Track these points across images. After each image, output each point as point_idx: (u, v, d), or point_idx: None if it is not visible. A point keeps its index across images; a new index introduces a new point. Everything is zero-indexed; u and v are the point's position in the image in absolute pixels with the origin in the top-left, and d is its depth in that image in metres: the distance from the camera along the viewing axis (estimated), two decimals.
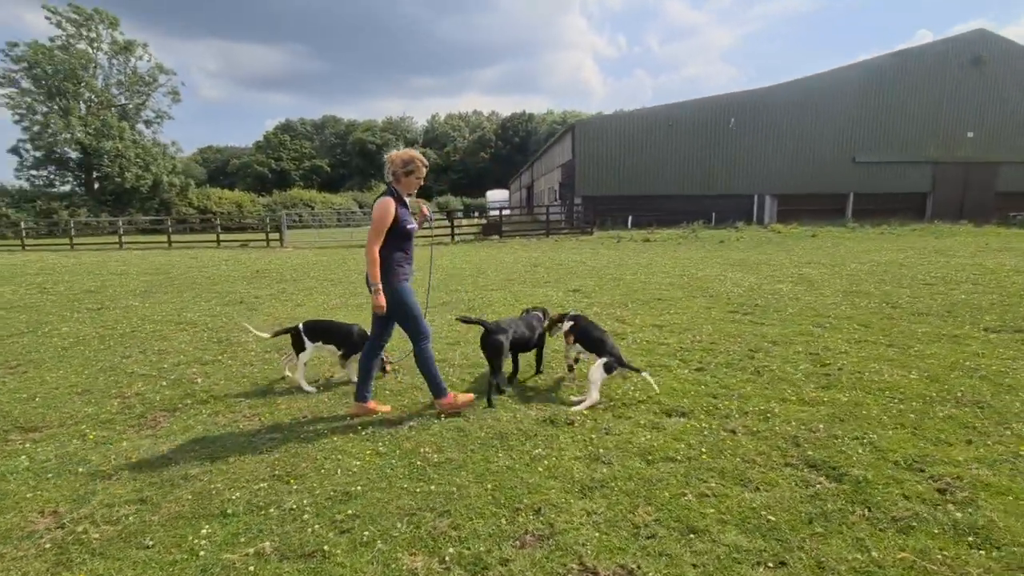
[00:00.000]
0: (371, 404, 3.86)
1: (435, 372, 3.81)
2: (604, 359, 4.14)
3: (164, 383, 4.80)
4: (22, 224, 23.94)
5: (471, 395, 4.06)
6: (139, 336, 6.66)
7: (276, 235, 21.61)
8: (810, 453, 3.29)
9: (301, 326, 4.51)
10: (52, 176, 38.28)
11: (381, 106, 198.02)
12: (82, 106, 37.69)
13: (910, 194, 27.67)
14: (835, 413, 3.89)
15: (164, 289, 10.67)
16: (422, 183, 3.67)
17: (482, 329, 4.23)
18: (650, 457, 3.30)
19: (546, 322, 4.82)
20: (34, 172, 37.70)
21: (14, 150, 37.31)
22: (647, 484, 2.98)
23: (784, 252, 15.72)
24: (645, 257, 15.09)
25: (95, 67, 38.40)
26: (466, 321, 4.53)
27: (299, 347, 4.47)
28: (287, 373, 4.80)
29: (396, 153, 3.58)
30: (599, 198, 25.97)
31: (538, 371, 4.88)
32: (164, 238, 21.94)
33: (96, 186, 38.35)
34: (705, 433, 3.62)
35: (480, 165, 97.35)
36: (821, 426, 3.66)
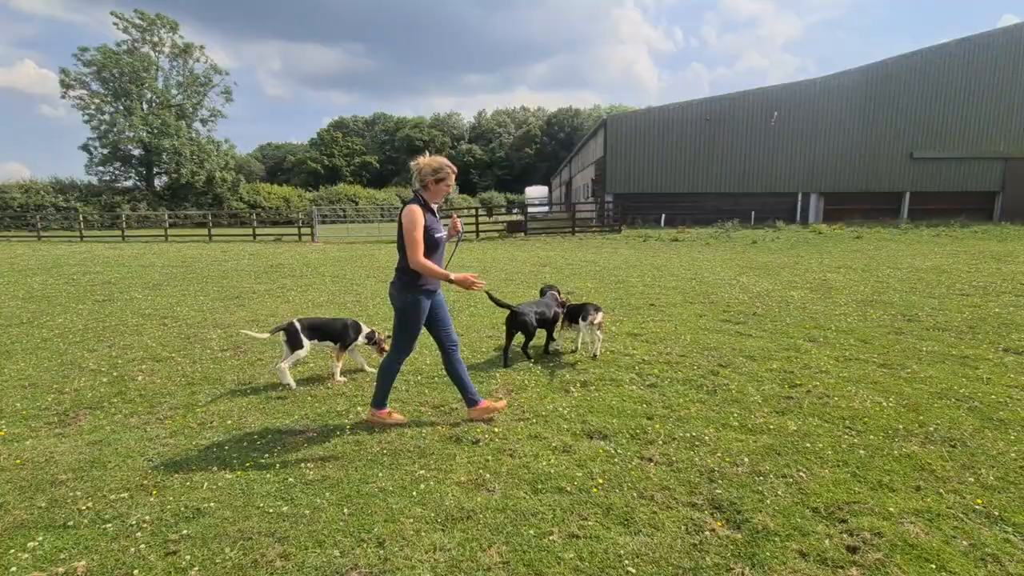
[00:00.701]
0: (484, 404, 3.84)
1: (387, 384, 3.74)
2: None
3: (106, 379, 4.86)
4: (80, 216, 25.61)
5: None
6: (121, 330, 6.85)
7: (308, 230, 22.16)
8: (720, 492, 2.91)
9: (296, 323, 4.57)
10: (117, 172, 40.92)
11: (433, 103, 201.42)
12: (144, 106, 40.03)
13: (976, 193, 25.36)
14: (774, 444, 3.46)
15: (177, 282, 11.06)
16: (451, 191, 3.56)
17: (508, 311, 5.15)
18: (540, 486, 3.01)
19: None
20: (101, 168, 40.43)
21: (85, 148, 40.08)
22: (518, 518, 2.70)
23: (818, 255, 14.72)
24: (663, 258, 14.46)
25: (156, 69, 40.68)
26: (497, 303, 5.25)
27: (295, 344, 4.53)
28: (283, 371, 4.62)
29: (425, 159, 3.42)
30: (631, 195, 25.19)
31: (546, 351, 5.51)
32: (206, 231, 22.94)
33: (156, 182, 40.71)
34: (615, 460, 3.29)
35: (525, 161, 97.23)
36: (747, 459, 3.26)
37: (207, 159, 40.08)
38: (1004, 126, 24.61)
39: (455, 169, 3.46)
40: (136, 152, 40.10)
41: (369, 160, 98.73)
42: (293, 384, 4.51)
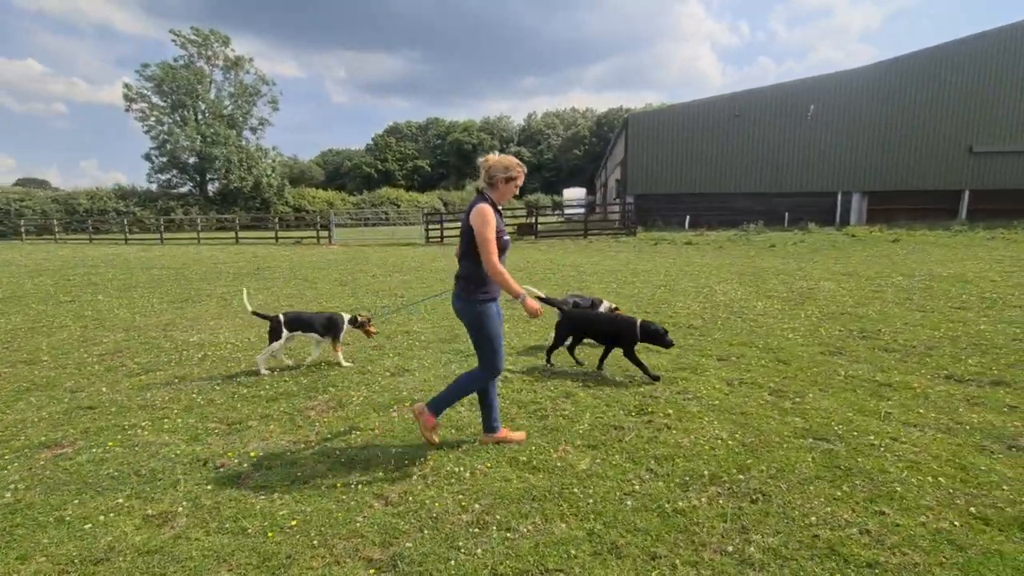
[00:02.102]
0: (502, 433, 3.51)
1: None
2: None
3: None
4: (124, 221, 27.45)
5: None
6: (38, 330, 7.04)
7: (325, 233, 22.66)
8: (407, 552, 2.45)
9: (282, 316, 4.92)
10: (174, 179, 43.75)
11: (489, 107, 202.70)
12: (198, 116, 42.57)
13: None
14: (539, 487, 2.93)
15: (155, 284, 11.43)
16: (517, 192, 3.31)
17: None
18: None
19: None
20: (160, 176, 43.40)
21: (147, 157, 43.16)
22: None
23: (833, 260, 13.39)
24: (657, 263, 13.61)
25: (210, 81, 43.18)
26: (547, 302, 4.88)
27: (274, 336, 4.87)
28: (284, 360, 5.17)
29: (495, 157, 3.18)
30: (653, 196, 24.08)
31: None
32: (265, 234, 23.92)
33: (209, 187, 43.20)
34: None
35: (573, 162, 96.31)
36: (482, 504, 2.75)
37: (255, 165, 42.11)
38: None
39: (525, 169, 3.22)
40: (191, 160, 42.69)
41: (421, 164, 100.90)
42: (264, 372, 4.89)
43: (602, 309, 5.74)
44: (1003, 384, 4.41)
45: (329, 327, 5.02)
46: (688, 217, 23.62)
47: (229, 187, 41.33)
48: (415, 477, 3.08)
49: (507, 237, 3.20)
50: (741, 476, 3.00)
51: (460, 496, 2.86)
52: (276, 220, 24.29)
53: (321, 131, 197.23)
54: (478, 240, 3.01)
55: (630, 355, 4.69)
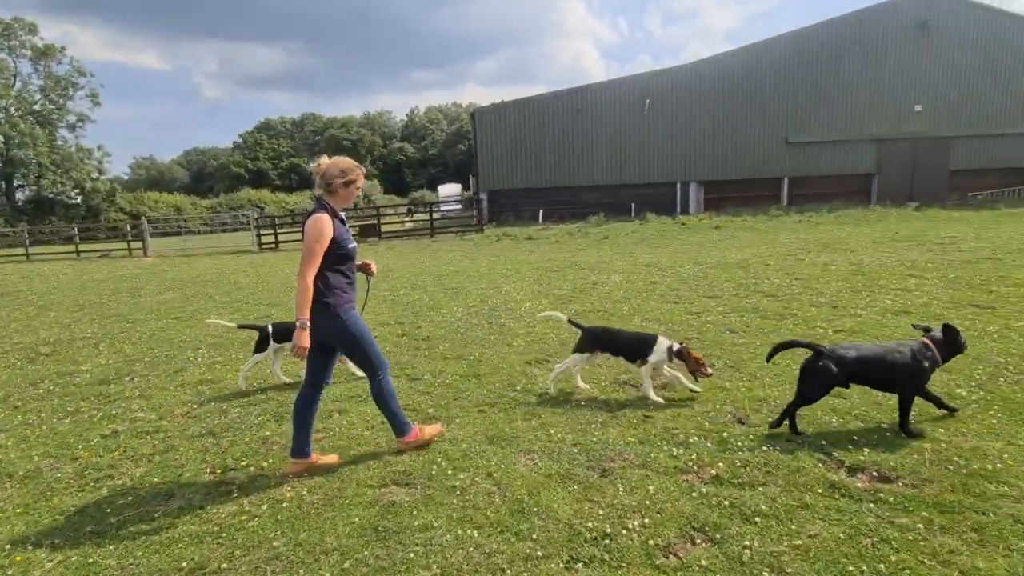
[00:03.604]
0: (313, 458, 3.14)
1: (396, 407, 3.26)
2: None
3: None
4: None
5: (439, 426, 3.51)
6: None
7: (139, 244, 19.87)
8: None
9: (270, 327, 4.57)
10: None
11: (380, 101, 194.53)
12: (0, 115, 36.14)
13: (853, 176, 25.20)
14: None
15: None
16: (359, 195, 3.18)
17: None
18: None
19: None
20: None
21: None
22: None
23: (650, 250, 13.70)
24: (481, 262, 13.16)
25: (14, 75, 36.79)
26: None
27: (260, 348, 4.53)
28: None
29: (329, 160, 3.03)
30: (506, 191, 23.89)
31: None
32: (66, 248, 20.30)
33: (18, 195, 36.86)
34: None
35: (459, 158, 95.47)
36: None
37: (75, 168, 36.54)
38: (875, 107, 24.49)
39: (363, 170, 3.10)
40: None
41: (298, 162, 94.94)
42: (243, 385, 4.54)
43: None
44: (667, 387, 4.14)
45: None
46: (541, 211, 23.66)
47: (42, 193, 35.48)
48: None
49: (353, 244, 3.10)
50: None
51: None
52: (76, 231, 20.88)
53: (192, 128, 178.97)
54: (304, 250, 2.89)
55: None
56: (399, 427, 3.25)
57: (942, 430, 3.20)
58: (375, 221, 21.09)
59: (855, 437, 3.16)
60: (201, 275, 12.90)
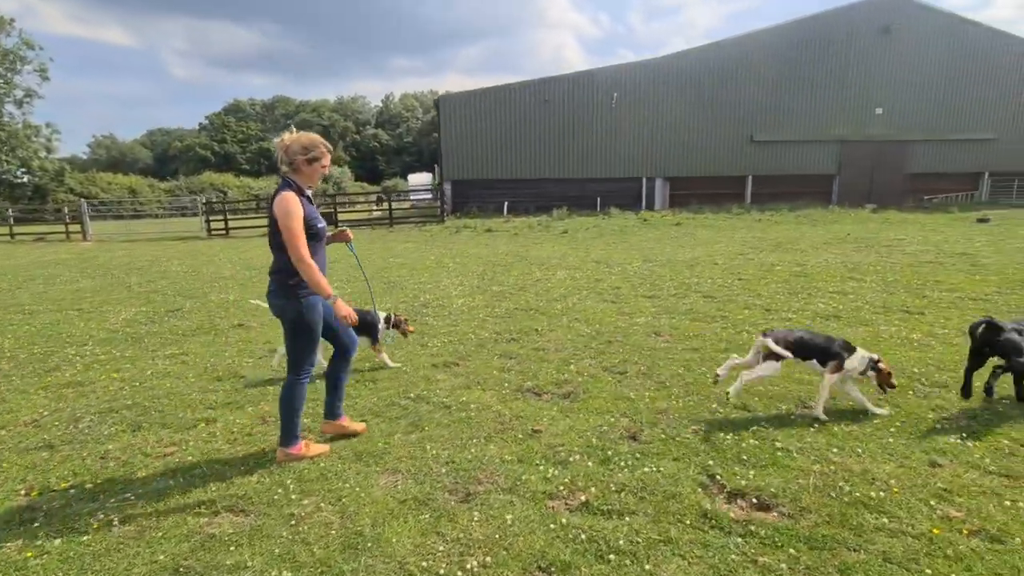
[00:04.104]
0: (344, 419, 3.35)
1: (296, 417, 3.05)
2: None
3: None
4: None
5: (325, 446, 3.22)
6: None
7: (77, 227, 18.84)
8: None
9: None
10: None
11: (361, 88, 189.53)
12: None
13: (816, 176, 25.51)
14: None
15: None
16: (327, 172, 3.04)
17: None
18: None
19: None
20: None
21: None
22: None
23: (605, 246, 13.48)
24: (431, 253, 12.77)
25: None
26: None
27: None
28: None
29: (292, 136, 2.90)
30: (471, 182, 23.44)
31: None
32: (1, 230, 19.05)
33: None
34: None
35: (434, 146, 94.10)
36: None
37: (20, 146, 34.56)
38: (838, 109, 24.77)
39: (330, 148, 2.97)
40: None
41: (268, 146, 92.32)
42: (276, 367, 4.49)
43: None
44: (571, 396, 3.89)
45: (369, 327, 4.39)
46: (507, 203, 23.31)
47: None
48: None
49: (322, 224, 2.97)
50: None
51: None
52: (11, 212, 19.67)
53: (161, 108, 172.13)
54: (283, 233, 2.77)
55: None
56: (287, 436, 3.05)
57: (836, 449, 3.01)
58: (331, 209, 20.42)
59: (745, 456, 2.95)
60: (133, 262, 12.21)
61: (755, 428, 3.29)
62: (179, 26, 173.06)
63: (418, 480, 2.81)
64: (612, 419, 3.48)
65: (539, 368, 4.50)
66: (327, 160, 2.94)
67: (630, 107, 23.47)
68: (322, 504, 2.60)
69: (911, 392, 3.80)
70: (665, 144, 24.08)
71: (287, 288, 2.86)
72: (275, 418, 3.63)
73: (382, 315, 4.58)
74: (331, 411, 3.32)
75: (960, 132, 25.46)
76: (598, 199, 23.84)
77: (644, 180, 24.34)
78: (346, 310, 2.88)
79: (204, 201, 19.97)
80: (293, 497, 2.67)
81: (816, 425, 3.30)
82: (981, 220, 17.89)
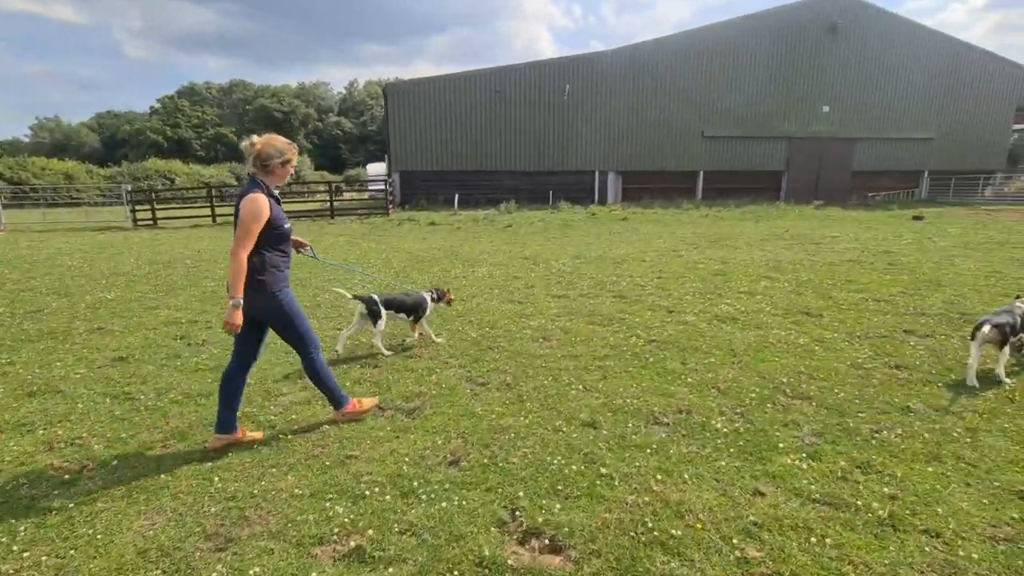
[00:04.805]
0: (239, 433, 3.18)
1: (333, 382, 3.38)
2: None
3: None
4: None
5: (376, 399, 3.68)
6: None
7: None
8: None
9: (375, 297, 4.73)
10: None
11: (327, 74, 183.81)
12: None
13: (765, 172, 25.88)
14: None
15: None
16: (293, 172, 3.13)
17: None
18: None
19: None
20: None
21: None
22: None
23: (544, 242, 13.22)
24: (356, 248, 12.26)
25: None
26: None
27: (376, 316, 4.67)
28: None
29: (264, 139, 2.98)
30: (420, 173, 22.91)
31: None
32: None
33: None
34: None
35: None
36: None
37: None
38: (787, 105, 25.10)
39: (297, 148, 3.11)
40: None
41: (225, 132, 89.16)
42: (385, 352, 4.77)
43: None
44: (414, 413, 3.58)
45: (414, 307, 5.00)
46: (457, 195, 22.86)
47: None
48: None
49: (288, 225, 3.10)
50: None
51: None
52: None
53: (115, 91, 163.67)
54: (240, 230, 2.86)
55: None
56: (336, 400, 3.38)
57: (661, 475, 2.78)
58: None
59: (561, 486, 2.69)
60: (32, 255, 11.34)
61: (589, 450, 3.04)
62: (133, 3, 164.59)
63: (180, 520, 2.45)
64: (443, 441, 3.18)
65: (397, 379, 4.17)
66: (295, 161, 3.09)
67: (583, 100, 23.25)
68: (44, 558, 2.21)
69: (770, 405, 3.63)
70: (617, 138, 23.98)
71: (256, 284, 2.95)
72: (65, 443, 3.21)
73: (427, 294, 5.11)
74: (224, 424, 3.16)
75: (901, 131, 26.15)
76: (551, 193, 23.61)
77: (597, 174, 24.21)
78: (235, 320, 2.86)
79: (129, 189, 18.85)
80: (14, 549, 2.27)
81: (652, 448, 3.06)
82: (916, 218, 18.39)
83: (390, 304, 4.80)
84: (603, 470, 2.82)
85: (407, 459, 2.97)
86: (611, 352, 4.75)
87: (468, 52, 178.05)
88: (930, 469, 2.84)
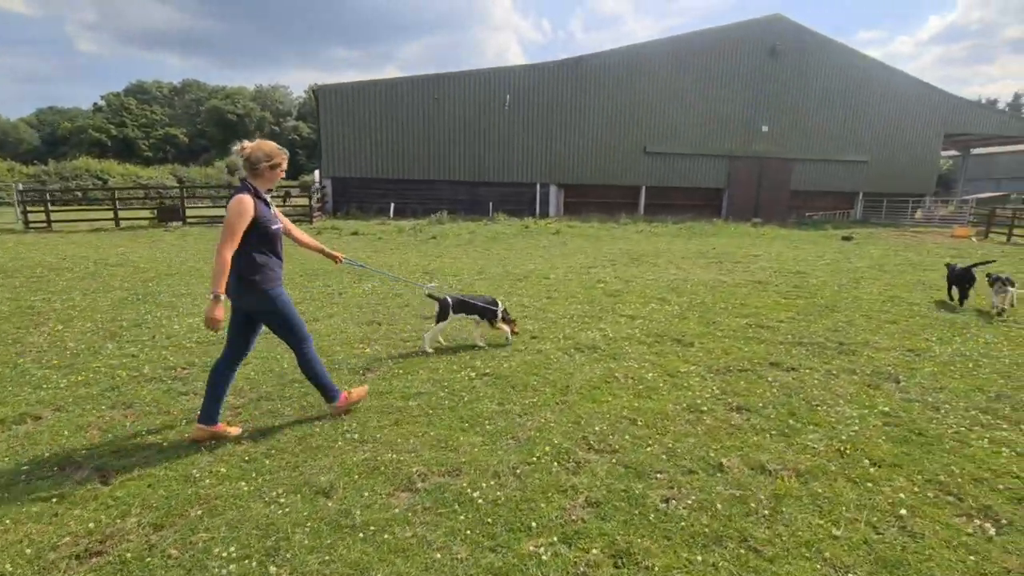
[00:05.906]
0: (220, 427, 3.28)
1: (324, 375, 3.53)
2: None
3: None
4: None
5: (364, 387, 3.84)
6: None
7: None
8: None
9: (449, 299, 5.00)
10: None
11: (290, 77, 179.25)
12: None
13: (707, 189, 25.99)
14: None
15: None
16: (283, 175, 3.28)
17: None
18: None
19: None
20: None
21: None
22: None
23: (464, 255, 12.57)
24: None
25: None
26: None
27: (443, 316, 4.98)
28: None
29: (255, 144, 3.15)
30: (354, 180, 21.99)
31: None
32: None
33: None
34: None
35: None
36: None
37: None
38: (727, 124, 25.32)
39: (286, 152, 3.22)
40: None
41: (175, 133, 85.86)
42: (429, 348, 5.00)
43: None
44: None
45: (484, 309, 5.10)
46: (392, 204, 22.04)
47: None
48: None
49: (277, 225, 3.20)
50: None
51: None
52: None
53: (66, 86, 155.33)
54: (224, 227, 2.96)
55: None
56: (328, 393, 3.52)
57: (352, 573, 2.10)
58: (177, 202, 18.27)
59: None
60: None
61: (281, 535, 2.34)
62: None
63: None
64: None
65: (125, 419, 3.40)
66: (285, 165, 3.19)
67: (523, 110, 22.85)
68: None
69: (561, 461, 3.01)
70: (558, 151, 23.65)
71: (247, 283, 3.07)
72: None
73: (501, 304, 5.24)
74: (209, 415, 3.22)
75: (837, 153, 26.75)
76: (491, 204, 23.06)
77: (538, 186, 23.79)
78: (214, 314, 2.91)
79: (20, 188, 17.23)
80: None
81: (373, 529, 2.39)
82: (846, 238, 18.57)
83: (461, 307, 5.08)
84: (272, 569, 2.13)
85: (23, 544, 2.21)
86: (427, 390, 4.09)
87: (439, 60, 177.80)
88: (700, 559, 2.26)
